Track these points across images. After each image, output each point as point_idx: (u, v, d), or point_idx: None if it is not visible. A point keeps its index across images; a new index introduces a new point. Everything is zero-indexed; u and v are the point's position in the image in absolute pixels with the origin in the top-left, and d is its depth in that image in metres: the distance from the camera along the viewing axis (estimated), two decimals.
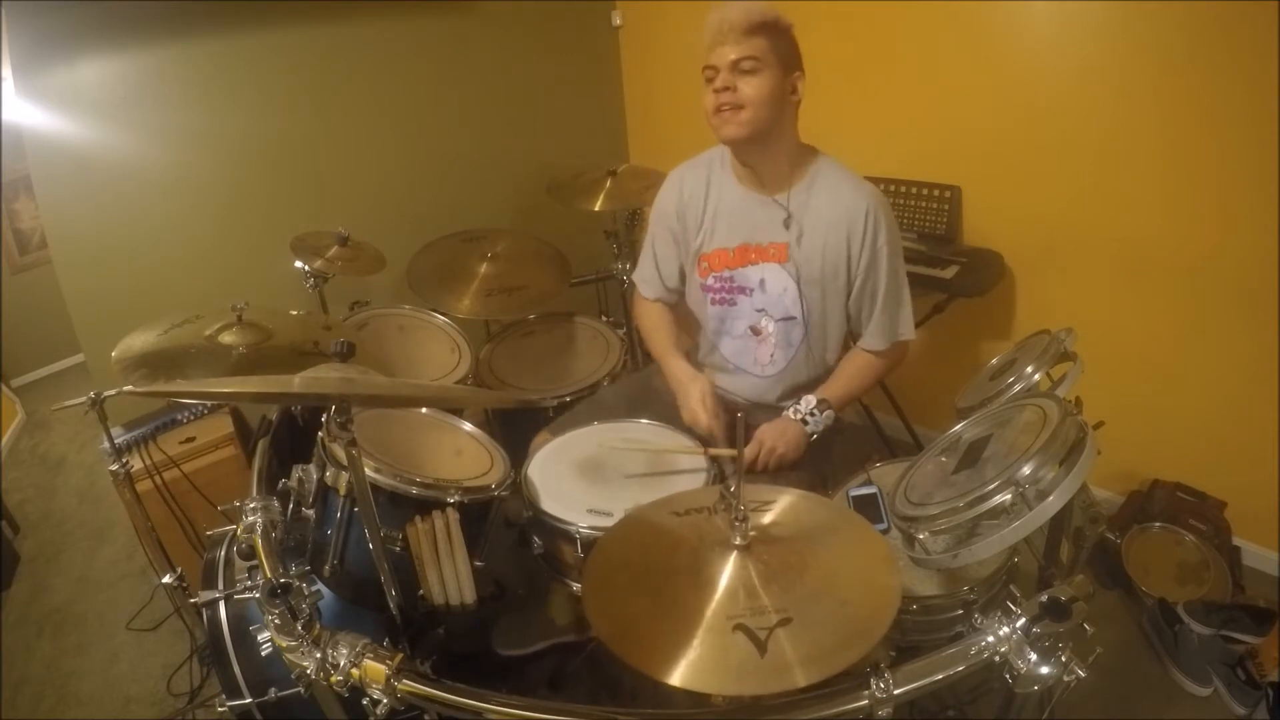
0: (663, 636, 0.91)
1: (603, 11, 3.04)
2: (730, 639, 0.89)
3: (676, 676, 0.86)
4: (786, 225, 1.51)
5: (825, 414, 1.53)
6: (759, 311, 1.58)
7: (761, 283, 1.56)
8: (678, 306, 1.76)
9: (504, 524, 1.44)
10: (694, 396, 1.54)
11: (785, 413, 1.55)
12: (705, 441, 1.51)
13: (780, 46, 1.40)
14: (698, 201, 1.60)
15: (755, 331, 1.61)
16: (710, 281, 1.61)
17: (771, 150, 1.48)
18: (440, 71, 2.67)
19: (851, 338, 1.64)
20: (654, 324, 1.74)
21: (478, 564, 1.32)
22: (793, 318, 1.56)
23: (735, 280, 1.59)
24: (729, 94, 1.40)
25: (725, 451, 1.47)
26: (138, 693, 1.99)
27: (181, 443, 2.17)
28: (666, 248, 1.69)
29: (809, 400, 1.53)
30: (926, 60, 2.26)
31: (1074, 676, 0.89)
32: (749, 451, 1.46)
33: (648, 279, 1.75)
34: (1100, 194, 2.05)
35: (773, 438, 1.49)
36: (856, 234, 1.47)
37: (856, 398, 1.68)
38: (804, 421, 1.52)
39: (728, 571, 0.99)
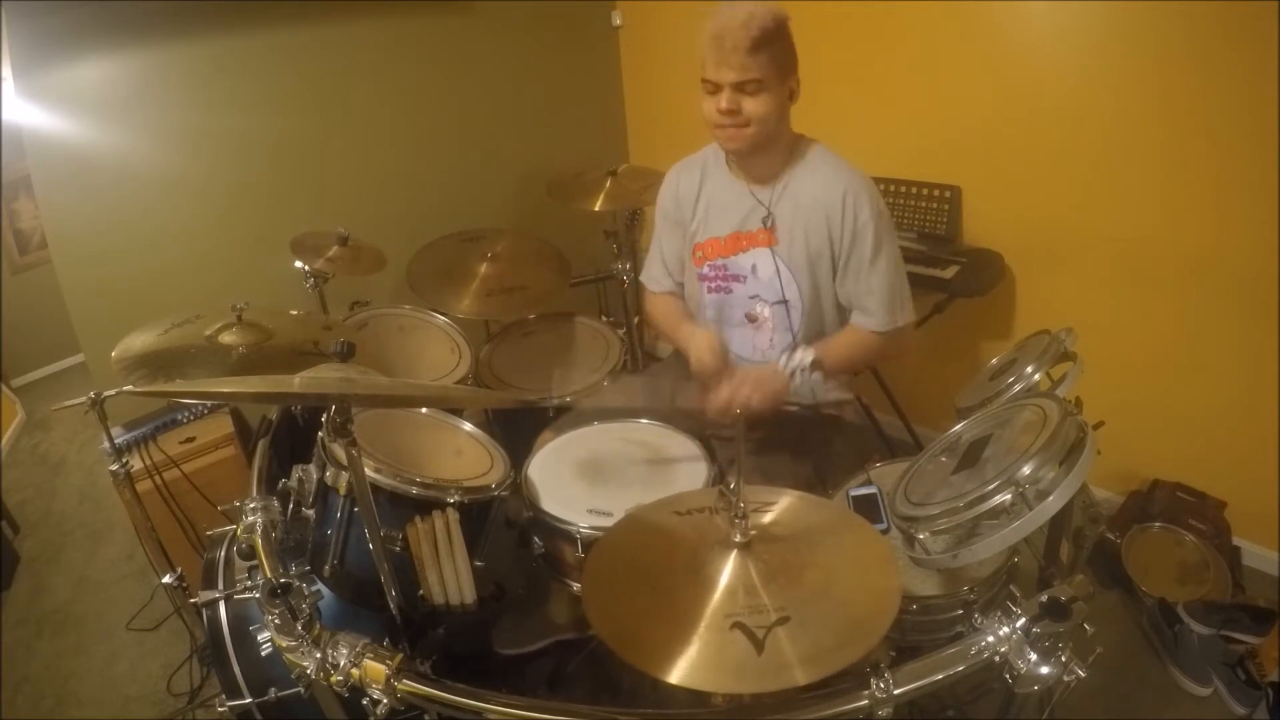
0: (662, 635, 0.91)
1: (603, 11, 3.04)
2: (728, 637, 0.89)
3: (675, 675, 0.86)
4: (767, 215, 1.52)
5: (815, 375, 1.48)
6: (753, 298, 1.59)
7: (754, 268, 1.57)
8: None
9: (504, 524, 1.44)
10: (701, 343, 1.52)
11: (775, 362, 1.50)
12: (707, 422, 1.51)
13: (780, 56, 1.39)
14: (691, 195, 1.63)
15: (751, 318, 1.61)
16: (705, 270, 1.63)
17: (769, 151, 1.50)
18: (440, 71, 2.66)
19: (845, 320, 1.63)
20: (665, 308, 1.76)
21: (478, 564, 1.31)
22: (786, 301, 1.56)
23: (729, 268, 1.60)
24: (733, 114, 1.40)
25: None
26: (138, 693, 1.99)
27: (181, 443, 2.16)
28: (672, 241, 1.71)
29: (804, 357, 1.47)
30: (926, 60, 2.26)
31: (1074, 676, 0.89)
32: (722, 397, 1.45)
33: (656, 277, 1.77)
34: (1100, 194, 2.05)
35: (750, 384, 1.45)
36: (835, 215, 1.48)
37: (852, 368, 1.68)
38: (791, 376, 1.47)
39: (727, 570, 0.99)
